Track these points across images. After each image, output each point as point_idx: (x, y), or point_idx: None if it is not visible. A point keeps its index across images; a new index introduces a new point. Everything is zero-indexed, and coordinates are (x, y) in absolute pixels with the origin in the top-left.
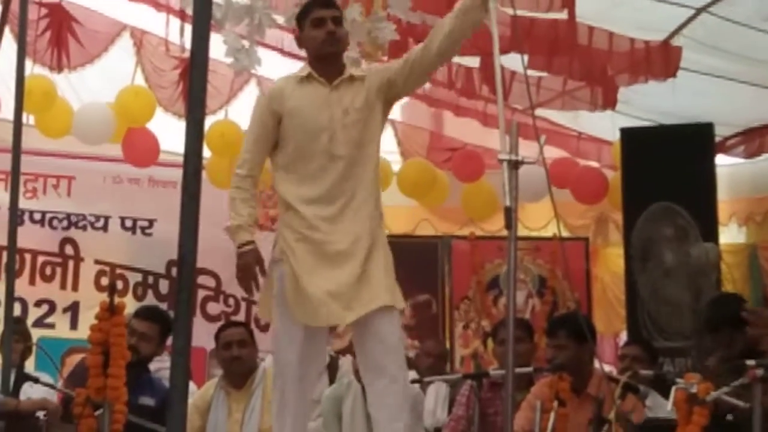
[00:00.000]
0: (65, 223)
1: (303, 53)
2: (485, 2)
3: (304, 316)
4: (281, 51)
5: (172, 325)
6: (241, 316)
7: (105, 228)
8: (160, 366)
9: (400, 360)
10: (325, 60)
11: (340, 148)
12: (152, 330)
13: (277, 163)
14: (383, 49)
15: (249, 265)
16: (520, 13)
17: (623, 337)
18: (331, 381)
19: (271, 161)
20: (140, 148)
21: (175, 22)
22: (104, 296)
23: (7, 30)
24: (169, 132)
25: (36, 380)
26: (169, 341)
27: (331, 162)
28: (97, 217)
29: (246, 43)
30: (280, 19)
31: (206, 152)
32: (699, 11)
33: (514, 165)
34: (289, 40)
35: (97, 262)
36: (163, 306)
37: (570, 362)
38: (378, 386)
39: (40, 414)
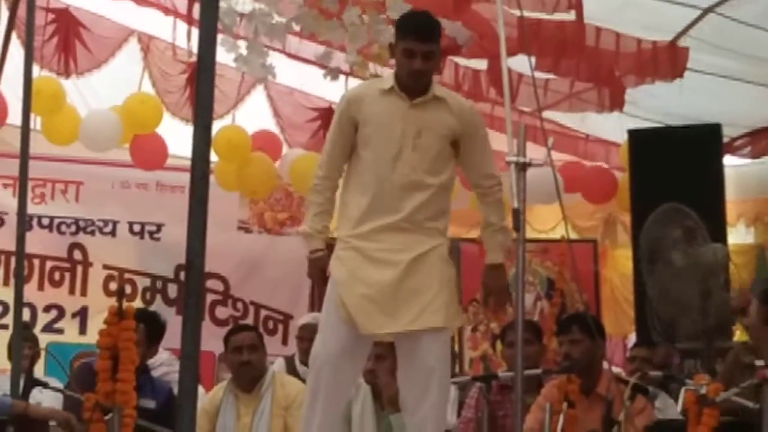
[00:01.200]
0: (73, 228)
1: (310, 55)
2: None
3: (349, 320)
4: (287, 54)
5: (161, 325)
6: (249, 320)
7: (113, 233)
8: (169, 370)
9: (444, 384)
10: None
11: (403, 167)
12: (139, 333)
13: (347, 170)
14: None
15: (313, 274)
16: (527, 14)
17: (632, 338)
18: None
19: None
20: (148, 152)
21: (182, 26)
22: (113, 301)
23: (14, 35)
24: (176, 137)
25: (45, 385)
26: (177, 345)
27: (392, 175)
28: (106, 222)
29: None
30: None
31: (213, 157)
32: (706, 11)
33: (522, 167)
34: (295, 43)
35: (105, 267)
36: (172, 310)
37: (584, 357)
38: (419, 411)
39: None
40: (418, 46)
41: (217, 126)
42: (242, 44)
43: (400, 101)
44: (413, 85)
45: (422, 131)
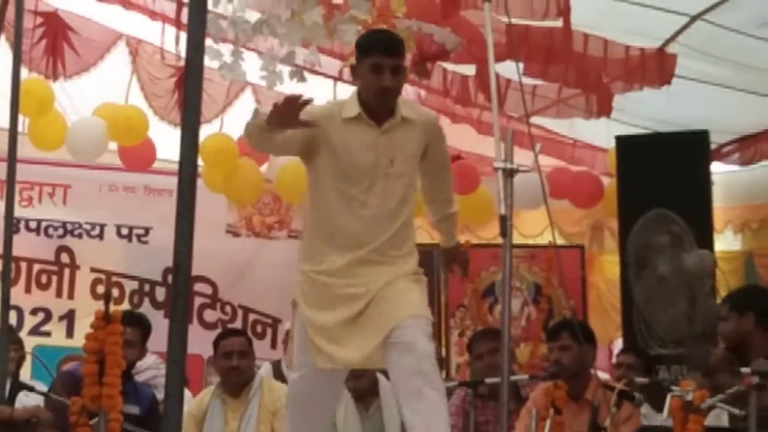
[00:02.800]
0: (61, 231)
1: (299, 59)
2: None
3: (316, 358)
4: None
5: (149, 328)
6: (237, 324)
7: (101, 236)
8: (156, 373)
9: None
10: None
11: (374, 199)
12: (135, 335)
13: (310, 200)
14: None
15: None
16: (515, 21)
17: (618, 344)
18: None
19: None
20: (137, 155)
21: (171, 30)
22: (100, 304)
23: (2, 38)
24: (165, 140)
25: (31, 389)
26: (165, 348)
27: (362, 209)
28: (93, 225)
29: (228, 57)
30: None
31: (201, 163)
32: (694, 18)
33: (509, 173)
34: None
35: (93, 270)
36: (160, 314)
37: (574, 363)
38: (420, 403)
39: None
40: (385, 60)
41: (205, 131)
42: (226, 51)
43: (369, 129)
44: (381, 105)
45: (394, 159)
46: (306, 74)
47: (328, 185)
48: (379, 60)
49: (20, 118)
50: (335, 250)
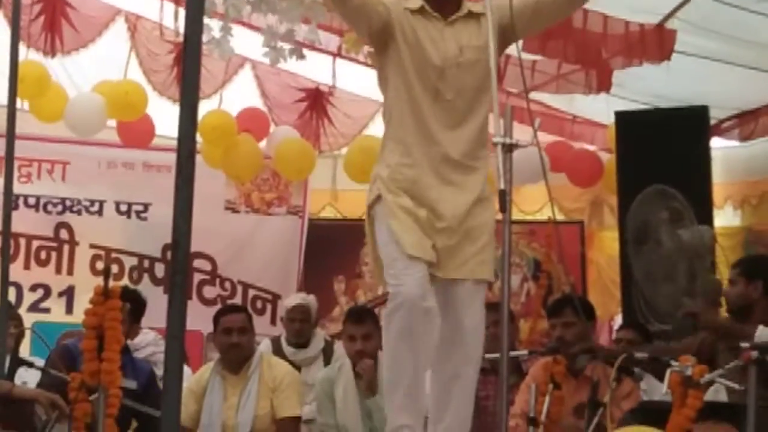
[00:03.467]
0: (60, 207)
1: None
2: None
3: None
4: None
5: (143, 303)
6: (237, 300)
7: (100, 212)
8: (155, 350)
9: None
10: None
11: (449, 91)
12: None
13: (388, 83)
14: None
15: None
16: None
17: (618, 320)
18: (327, 365)
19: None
20: (135, 131)
21: (169, 6)
22: (99, 280)
23: (0, 15)
24: (163, 116)
25: (31, 365)
26: (163, 325)
27: (435, 104)
28: (92, 202)
29: (217, 32)
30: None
31: (199, 139)
32: None
33: (509, 148)
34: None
35: (92, 246)
36: (159, 290)
37: (577, 339)
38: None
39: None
40: None
41: (204, 107)
42: (216, 26)
43: (435, 21)
44: None
45: (463, 48)
46: (305, 51)
47: (408, 74)
48: None
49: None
50: (422, 149)
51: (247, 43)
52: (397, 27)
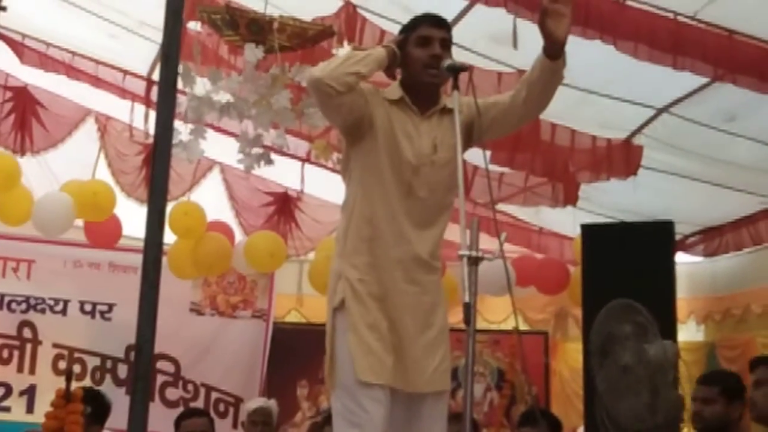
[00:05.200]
0: (24, 306)
1: (267, 140)
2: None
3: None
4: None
5: (107, 405)
6: (200, 402)
7: (64, 311)
8: None
9: None
10: (422, 89)
11: (422, 188)
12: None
13: (351, 176)
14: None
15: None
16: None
17: None
18: None
19: (346, 169)
20: (102, 231)
21: (140, 108)
22: (62, 380)
23: None
24: (130, 217)
25: None
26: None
27: (407, 200)
28: (57, 301)
29: (185, 136)
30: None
31: (169, 235)
32: (660, 111)
33: (474, 261)
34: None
35: (55, 345)
36: (122, 391)
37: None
38: None
39: None
40: (435, 32)
41: (171, 207)
42: (184, 130)
43: (411, 114)
44: (430, 79)
45: (438, 146)
46: (273, 156)
47: (382, 168)
48: (429, 32)
49: None
50: (385, 247)
51: (216, 146)
52: (375, 119)
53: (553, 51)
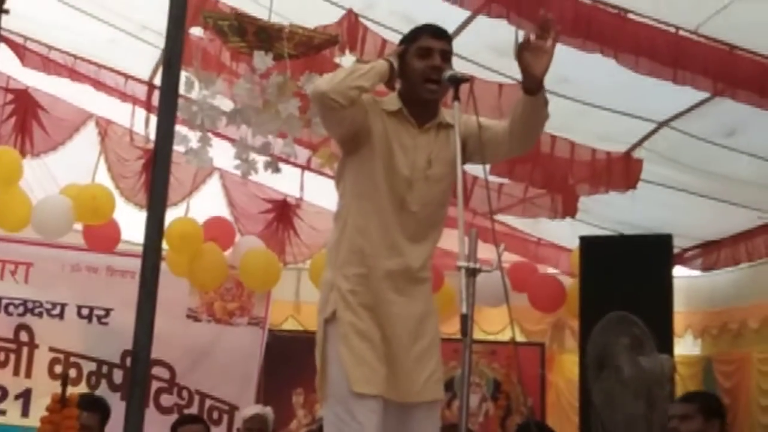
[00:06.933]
0: (21, 309)
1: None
2: (533, 96)
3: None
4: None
5: (109, 412)
6: (194, 409)
7: (61, 315)
8: None
9: None
10: (420, 101)
11: (416, 203)
12: (93, 419)
13: (346, 186)
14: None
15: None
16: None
17: None
18: None
19: (341, 178)
20: (101, 235)
21: (141, 112)
22: (57, 384)
23: None
24: (129, 222)
25: None
26: None
27: (401, 214)
28: (54, 305)
29: (195, 143)
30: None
31: (165, 246)
32: (660, 125)
33: (472, 273)
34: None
35: (51, 349)
36: (117, 396)
37: None
38: None
39: None
40: (435, 43)
41: (171, 214)
42: (194, 137)
43: (409, 126)
44: (429, 92)
45: (432, 161)
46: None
47: (377, 180)
48: (430, 43)
49: None
50: (377, 259)
51: (216, 152)
52: (373, 129)
53: (530, 86)
